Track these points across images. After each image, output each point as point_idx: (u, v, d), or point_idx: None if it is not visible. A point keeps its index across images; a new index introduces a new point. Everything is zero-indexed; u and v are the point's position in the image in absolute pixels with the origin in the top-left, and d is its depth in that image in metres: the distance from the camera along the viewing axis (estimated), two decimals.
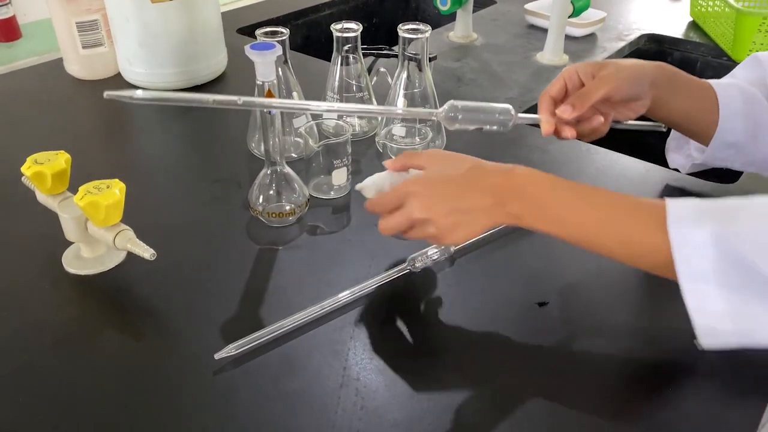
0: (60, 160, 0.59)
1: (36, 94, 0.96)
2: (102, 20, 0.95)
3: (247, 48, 0.59)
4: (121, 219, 0.57)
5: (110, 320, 0.56)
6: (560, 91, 0.64)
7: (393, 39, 0.76)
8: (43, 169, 0.58)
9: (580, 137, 0.65)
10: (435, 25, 1.23)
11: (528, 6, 1.27)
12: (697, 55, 1.21)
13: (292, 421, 0.47)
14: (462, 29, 1.19)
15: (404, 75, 0.76)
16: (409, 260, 0.61)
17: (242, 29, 1.22)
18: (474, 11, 1.29)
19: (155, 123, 0.91)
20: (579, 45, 1.19)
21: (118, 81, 0.99)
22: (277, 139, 0.63)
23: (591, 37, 1.23)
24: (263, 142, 0.63)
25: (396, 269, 0.60)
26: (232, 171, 0.78)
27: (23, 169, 0.59)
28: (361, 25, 0.78)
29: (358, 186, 0.61)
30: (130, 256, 0.59)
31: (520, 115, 0.64)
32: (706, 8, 1.23)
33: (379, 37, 1.49)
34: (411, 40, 0.74)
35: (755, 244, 0.43)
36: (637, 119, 0.68)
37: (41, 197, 0.62)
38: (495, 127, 0.63)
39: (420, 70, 0.76)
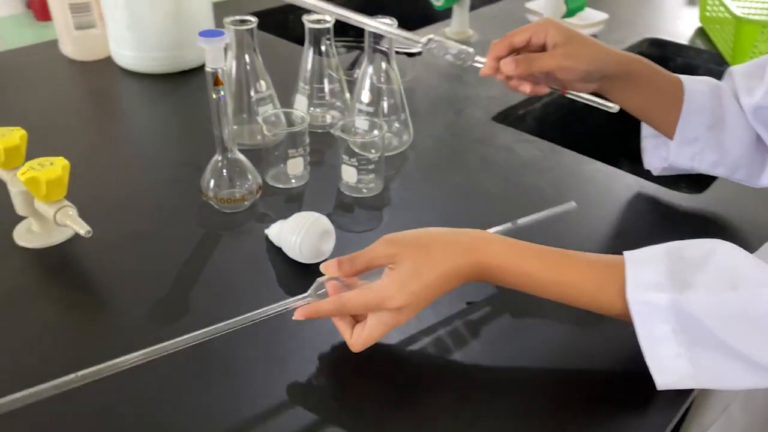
0: (15, 135, 0.61)
1: (27, 72, 0.99)
2: (94, 2, 0.97)
3: (197, 36, 0.60)
4: (65, 195, 0.59)
5: (47, 293, 0.58)
6: (522, 42, 0.64)
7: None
8: None
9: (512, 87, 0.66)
10: (435, 20, 1.23)
11: (528, 5, 1.26)
12: (699, 62, 1.18)
13: (228, 405, 0.48)
14: (458, 25, 1.18)
15: (370, 69, 0.77)
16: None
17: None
18: (477, 8, 1.29)
19: (139, 104, 0.93)
20: None
21: (108, 63, 1.01)
22: (229, 128, 0.64)
23: None
24: (214, 129, 0.64)
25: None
26: (198, 155, 0.79)
27: None
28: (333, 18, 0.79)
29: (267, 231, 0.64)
30: None
31: (477, 58, 0.68)
32: (711, 13, 1.20)
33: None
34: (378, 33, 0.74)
35: (711, 314, 0.45)
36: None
37: None
38: (455, 60, 0.70)
39: (388, 63, 0.76)
